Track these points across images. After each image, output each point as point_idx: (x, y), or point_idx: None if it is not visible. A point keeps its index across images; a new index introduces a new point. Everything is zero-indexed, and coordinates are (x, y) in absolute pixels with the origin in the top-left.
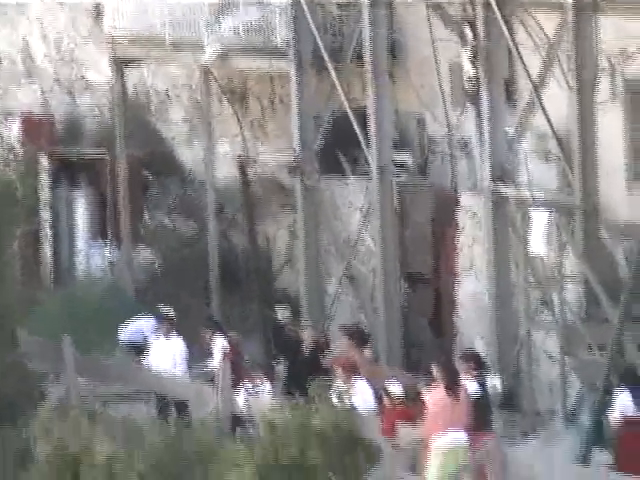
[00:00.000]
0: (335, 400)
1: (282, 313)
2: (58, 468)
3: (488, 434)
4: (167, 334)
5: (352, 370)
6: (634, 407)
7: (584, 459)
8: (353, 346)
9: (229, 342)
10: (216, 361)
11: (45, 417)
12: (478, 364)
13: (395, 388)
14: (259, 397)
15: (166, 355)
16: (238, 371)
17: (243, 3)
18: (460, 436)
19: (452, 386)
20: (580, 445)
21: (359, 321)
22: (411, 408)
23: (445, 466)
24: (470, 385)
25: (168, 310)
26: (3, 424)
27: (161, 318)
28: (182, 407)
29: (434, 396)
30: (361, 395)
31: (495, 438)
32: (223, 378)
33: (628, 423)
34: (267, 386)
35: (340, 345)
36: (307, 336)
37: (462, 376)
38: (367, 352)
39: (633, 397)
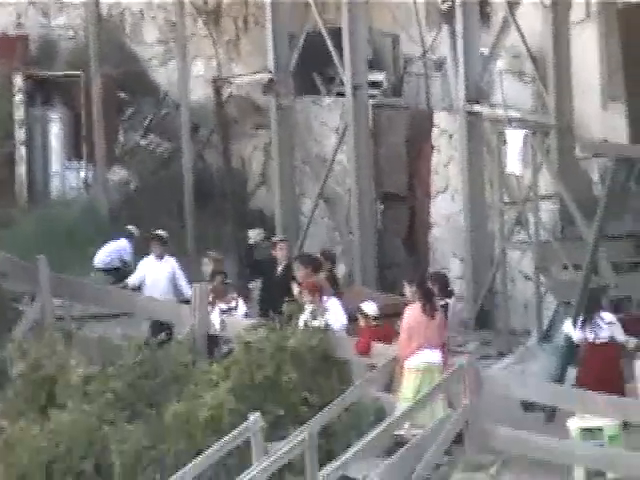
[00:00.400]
0: (308, 321)
1: (255, 234)
2: (33, 388)
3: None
4: (160, 256)
5: (319, 291)
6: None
7: (559, 378)
8: (310, 274)
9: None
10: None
11: (20, 338)
12: (443, 288)
13: (369, 308)
14: (235, 318)
15: (160, 276)
16: (215, 291)
17: None
18: (435, 355)
19: (427, 304)
20: (555, 364)
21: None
22: (385, 328)
23: (419, 385)
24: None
25: (162, 232)
26: None
27: (132, 239)
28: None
29: (409, 313)
30: (334, 314)
31: (470, 357)
32: (200, 298)
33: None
34: (242, 307)
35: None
36: (281, 256)
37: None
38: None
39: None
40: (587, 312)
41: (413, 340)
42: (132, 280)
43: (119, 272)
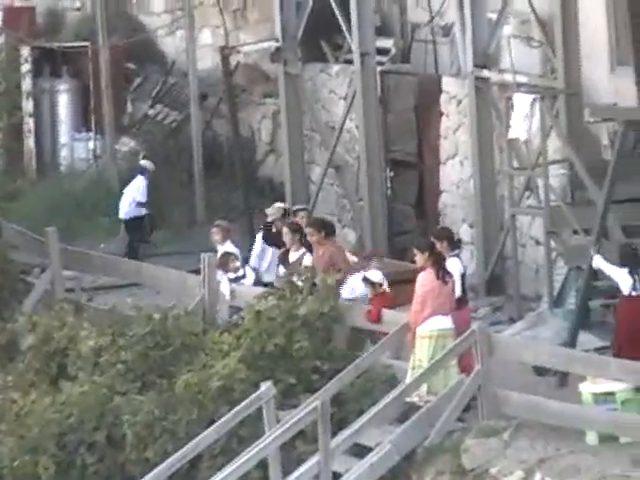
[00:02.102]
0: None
1: (274, 211)
2: (44, 360)
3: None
4: None
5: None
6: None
7: (571, 342)
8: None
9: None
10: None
11: (30, 310)
12: (451, 242)
13: (375, 275)
14: (244, 286)
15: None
16: (224, 260)
17: None
18: (447, 321)
19: (440, 270)
20: (566, 329)
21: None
22: (395, 294)
23: (433, 351)
24: (452, 263)
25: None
26: None
27: (146, 174)
28: None
29: (423, 280)
30: (349, 285)
31: (481, 322)
32: (209, 268)
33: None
34: (250, 275)
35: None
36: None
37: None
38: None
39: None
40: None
41: (427, 306)
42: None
43: (142, 221)
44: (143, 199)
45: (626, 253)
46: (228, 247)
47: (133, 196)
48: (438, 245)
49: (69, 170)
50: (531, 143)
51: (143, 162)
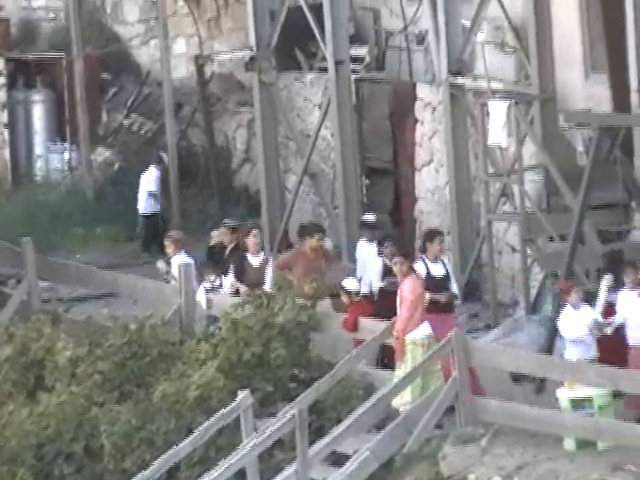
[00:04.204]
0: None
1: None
2: (21, 371)
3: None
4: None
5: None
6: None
7: (548, 348)
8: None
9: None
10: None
11: (7, 321)
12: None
13: (350, 284)
14: (221, 295)
15: None
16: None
17: None
18: (428, 327)
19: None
20: (543, 335)
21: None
22: (370, 302)
23: (417, 358)
24: (437, 267)
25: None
26: None
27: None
28: None
29: (412, 285)
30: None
31: (459, 328)
32: (185, 278)
33: None
34: (226, 283)
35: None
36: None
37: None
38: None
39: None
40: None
41: (417, 313)
42: None
43: (157, 218)
44: (155, 189)
45: (612, 257)
46: (182, 258)
47: (146, 188)
48: (430, 246)
49: (44, 181)
50: (507, 149)
51: (162, 153)
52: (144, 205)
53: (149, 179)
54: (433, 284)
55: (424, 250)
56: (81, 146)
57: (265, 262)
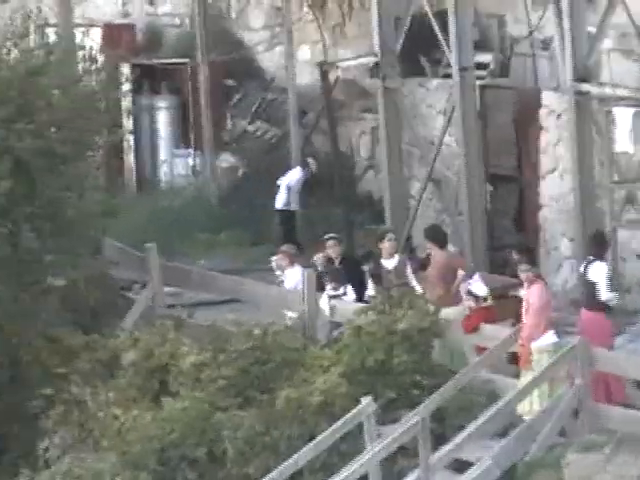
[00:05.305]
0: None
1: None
2: (145, 376)
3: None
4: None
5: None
6: None
7: None
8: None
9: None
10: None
11: (131, 326)
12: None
13: (479, 289)
14: (344, 302)
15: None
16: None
17: None
18: (553, 335)
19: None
20: None
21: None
22: (495, 308)
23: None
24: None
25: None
26: (89, 334)
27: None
28: None
29: (539, 292)
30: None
31: (582, 336)
32: (309, 284)
33: None
34: (351, 293)
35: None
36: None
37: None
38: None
39: None
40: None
41: (543, 320)
42: None
43: (293, 215)
44: (293, 185)
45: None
46: (296, 271)
47: (286, 183)
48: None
49: (169, 186)
50: (632, 156)
51: (310, 160)
52: (282, 201)
53: (291, 178)
54: None
55: None
56: (205, 152)
57: (402, 264)
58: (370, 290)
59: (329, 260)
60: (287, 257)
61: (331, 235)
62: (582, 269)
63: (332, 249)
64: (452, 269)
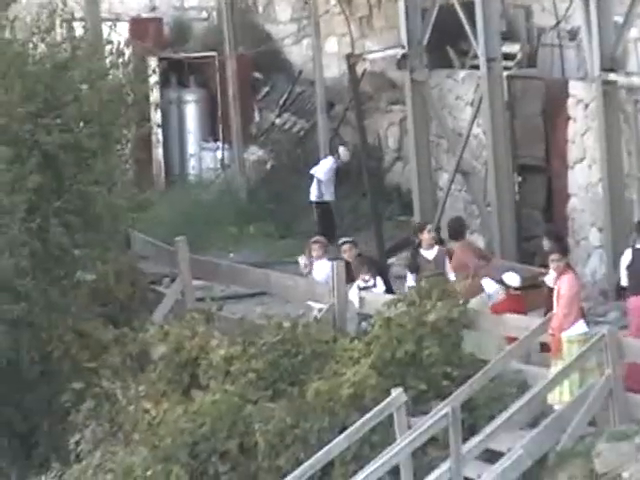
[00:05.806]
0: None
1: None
2: (176, 369)
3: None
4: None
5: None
6: None
7: None
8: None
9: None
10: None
11: (161, 320)
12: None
13: (512, 279)
14: (373, 294)
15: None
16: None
17: None
18: (584, 325)
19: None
20: None
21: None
22: (524, 298)
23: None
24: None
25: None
26: (119, 328)
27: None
28: None
29: (571, 282)
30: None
31: (611, 326)
32: (338, 276)
33: None
34: (380, 285)
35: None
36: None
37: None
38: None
39: None
40: None
41: (574, 310)
42: None
43: (329, 206)
44: (323, 178)
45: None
46: (325, 263)
47: (317, 176)
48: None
49: (197, 180)
50: None
51: (341, 148)
52: (315, 193)
53: (322, 168)
54: None
55: None
56: (234, 145)
57: (442, 254)
58: (410, 281)
59: (346, 264)
60: (322, 248)
61: (345, 239)
62: (629, 257)
63: (347, 253)
64: (471, 260)
